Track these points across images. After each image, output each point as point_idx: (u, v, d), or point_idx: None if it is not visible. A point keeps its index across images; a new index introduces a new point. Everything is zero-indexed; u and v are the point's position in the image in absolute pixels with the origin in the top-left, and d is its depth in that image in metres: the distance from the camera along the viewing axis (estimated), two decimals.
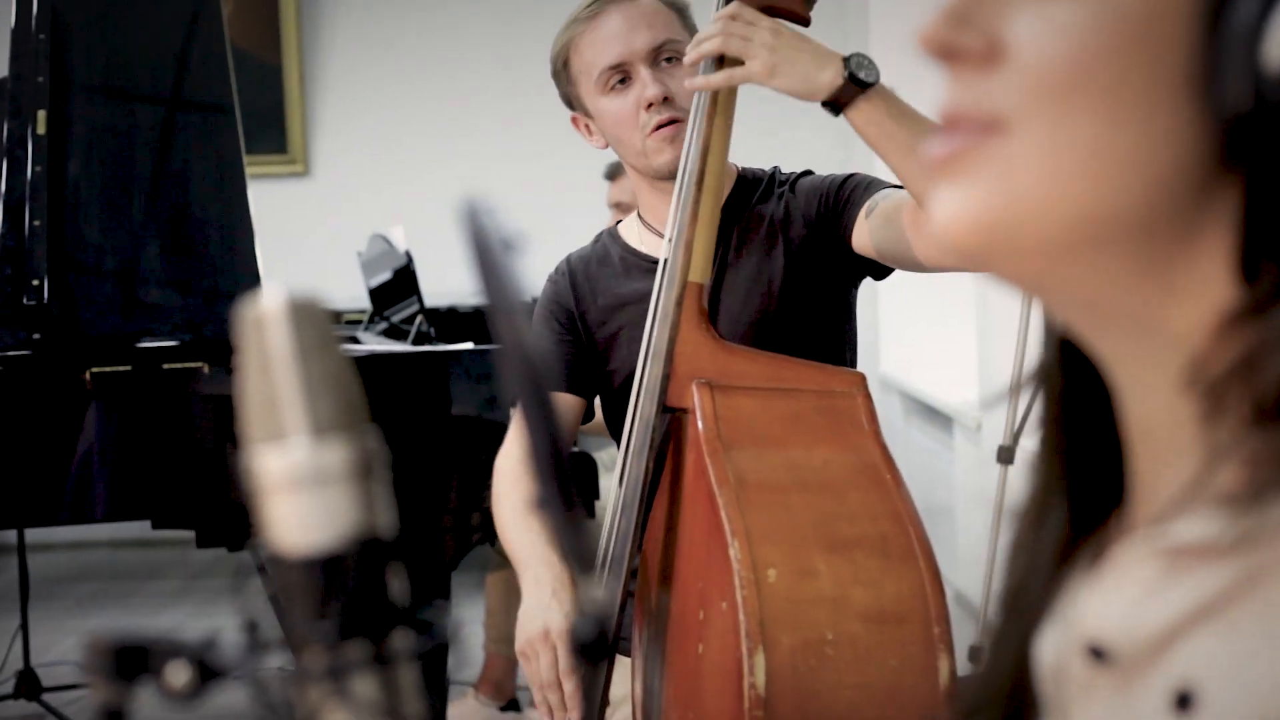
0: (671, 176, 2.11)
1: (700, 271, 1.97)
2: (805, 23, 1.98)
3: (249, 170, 6.69)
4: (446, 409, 3.55)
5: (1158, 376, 0.68)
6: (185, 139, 3.83)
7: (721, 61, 1.95)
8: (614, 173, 5.10)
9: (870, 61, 1.84)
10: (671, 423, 1.98)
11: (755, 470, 1.81)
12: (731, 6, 1.94)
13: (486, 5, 7.05)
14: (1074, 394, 0.76)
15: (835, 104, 1.86)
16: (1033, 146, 0.65)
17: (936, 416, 6.06)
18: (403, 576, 0.73)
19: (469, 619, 5.18)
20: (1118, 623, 0.66)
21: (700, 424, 1.86)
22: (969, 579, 5.07)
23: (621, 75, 2.16)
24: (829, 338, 2.20)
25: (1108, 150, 0.64)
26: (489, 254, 0.72)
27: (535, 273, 2.35)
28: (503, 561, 4.19)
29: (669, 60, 2.16)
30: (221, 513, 3.43)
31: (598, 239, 2.39)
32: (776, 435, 1.86)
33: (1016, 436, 4.03)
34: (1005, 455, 4.02)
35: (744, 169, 2.26)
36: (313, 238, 6.80)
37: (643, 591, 2.07)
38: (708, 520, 1.80)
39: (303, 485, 0.71)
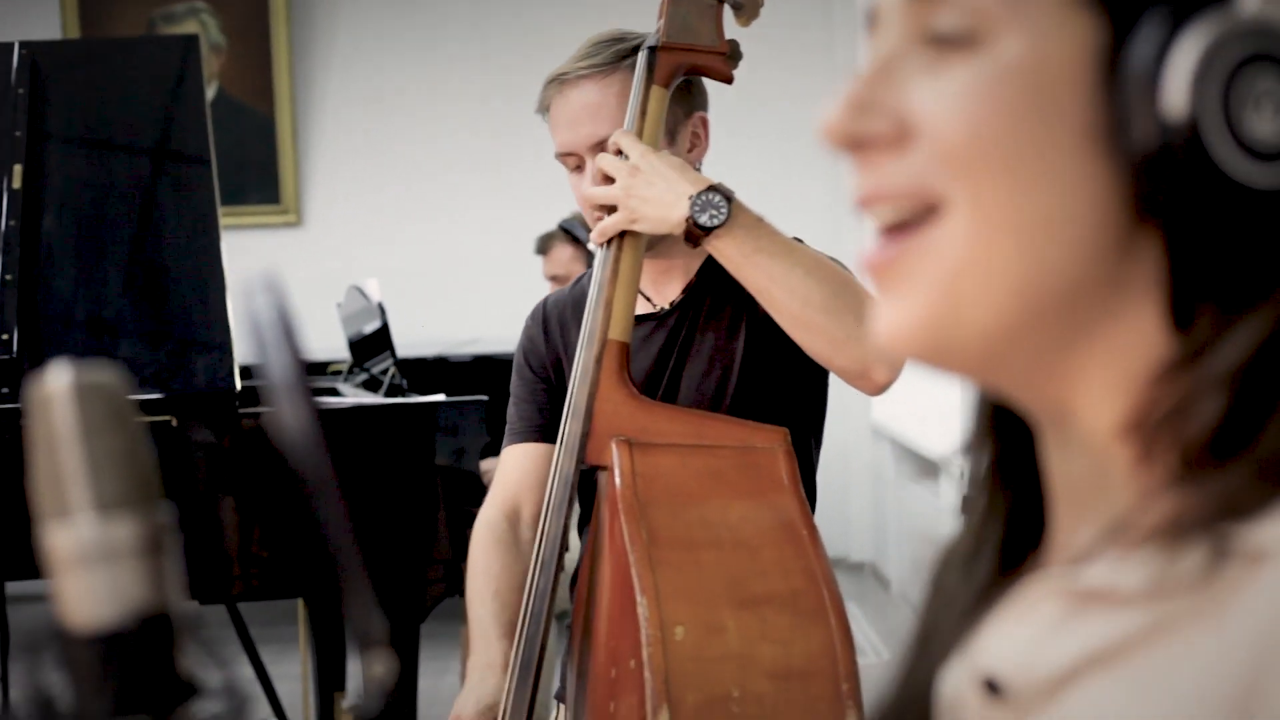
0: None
1: (620, 330, 1.98)
2: (729, 80, 2.01)
3: (242, 220, 6.78)
4: (429, 460, 3.57)
5: (1086, 436, 0.69)
6: (160, 191, 3.82)
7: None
8: (544, 247, 5.05)
9: (721, 198, 1.87)
10: (594, 480, 1.98)
11: (669, 528, 1.81)
12: (615, 135, 2.01)
13: (476, 59, 7.09)
14: (1007, 455, 0.77)
15: (693, 237, 1.90)
16: (962, 218, 0.66)
17: (924, 463, 6.07)
18: (192, 653, 0.73)
19: (450, 669, 5.17)
20: (1015, 659, 0.67)
21: (618, 482, 1.86)
22: None
23: (576, 162, 2.17)
24: (794, 407, 2.17)
25: (1028, 212, 0.65)
26: (271, 333, 0.73)
27: (516, 323, 2.38)
28: None
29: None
30: (207, 566, 3.43)
31: (578, 282, 2.39)
32: (694, 492, 1.86)
33: None
34: (968, 505, 4.02)
35: None
36: (305, 287, 6.80)
37: (575, 647, 2.07)
38: (621, 578, 1.79)
39: (88, 561, 0.71)
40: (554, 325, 2.32)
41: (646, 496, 1.84)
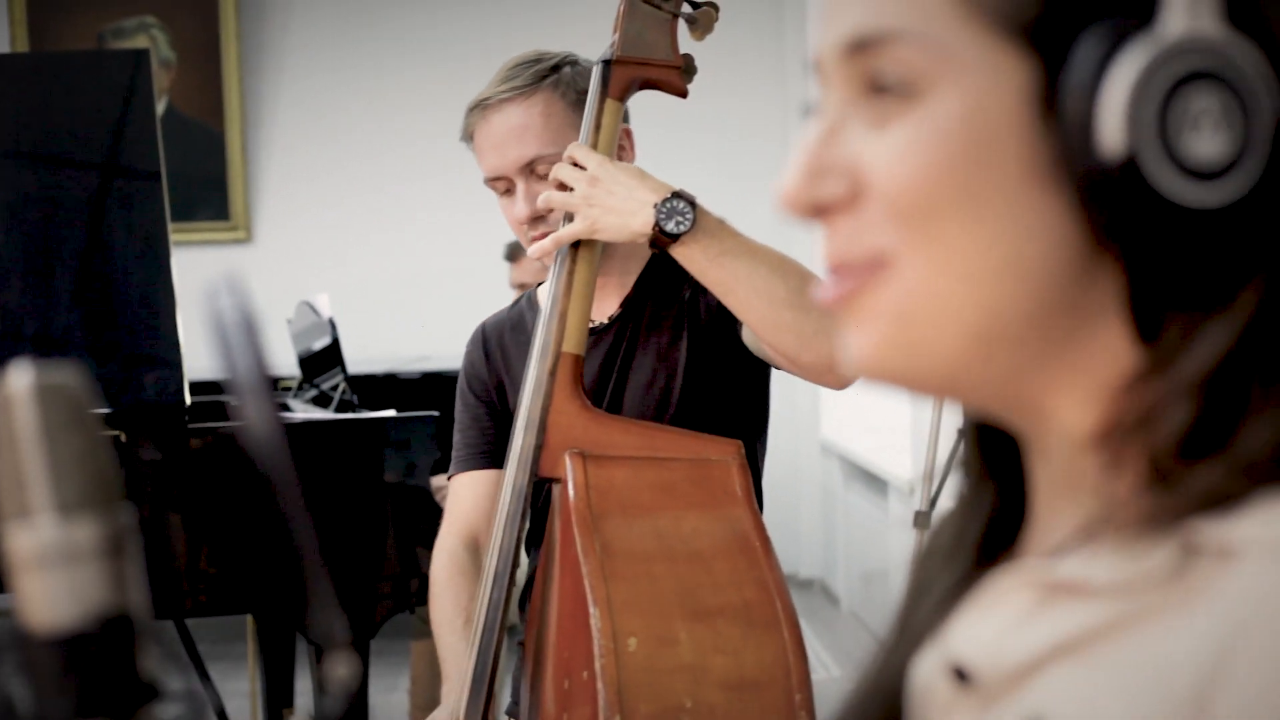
0: None
1: (575, 343, 1.98)
2: (683, 95, 2.02)
3: (192, 237, 6.75)
4: (379, 475, 3.57)
5: (1061, 443, 0.70)
6: (110, 207, 3.80)
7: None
8: (514, 254, 5.05)
9: (686, 204, 1.87)
10: (545, 495, 1.98)
11: (622, 540, 1.81)
12: (570, 148, 2.01)
13: (426, 75, 7.08)
14: (992, 450, 0.79)
15: (659, 244, 1.90)
16: (915, 269, 0.67)
17: (873, 481, 6.09)
18: (154, 655, 0.73)
19: (398, 686, 5.16)
20: (984, 647, 0.68)
21: (571, 494, 1.86)
22: None
23: (505, 186, 2.19)
24: (739, 412, 2.19)
25: (982, 253, 0.66)
26: (232, 334, 0.73)
27: (458, 340, 2.39)
28: (426, 629, 4.19)
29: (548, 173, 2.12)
30: (156, 582, 3.41)
31: (516, 304, 2.40)
32: (647, 504, 1.86)
33: (933, 503, 4.05)
34: (922, 520, 4.04)
35: None
36: (256, 303, 6.75)
37: (528, 661, 2.08)
38: (575, 590, 1.80)
39: (49, 563, 0.71)
40: (494, 347, 2.33)
41: (600, 509, 1.84)
